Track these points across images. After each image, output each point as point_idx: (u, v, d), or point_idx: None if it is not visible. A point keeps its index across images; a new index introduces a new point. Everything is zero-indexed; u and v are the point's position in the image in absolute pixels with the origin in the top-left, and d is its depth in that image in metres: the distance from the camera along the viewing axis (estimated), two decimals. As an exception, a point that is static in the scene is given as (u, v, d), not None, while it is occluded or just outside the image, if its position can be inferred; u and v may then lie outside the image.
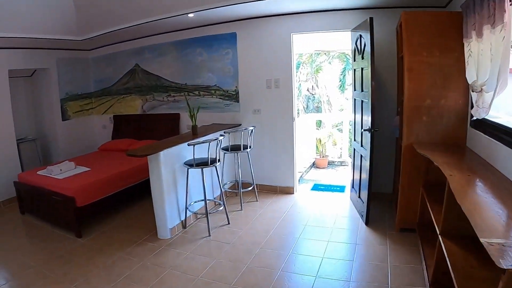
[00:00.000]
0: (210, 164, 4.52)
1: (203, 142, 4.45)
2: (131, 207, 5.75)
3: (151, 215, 4.77)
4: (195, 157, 4.45)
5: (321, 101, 11.62)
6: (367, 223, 4.66)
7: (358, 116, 4.98)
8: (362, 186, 4.83)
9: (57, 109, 7.29)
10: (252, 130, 5.39)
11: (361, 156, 4.85)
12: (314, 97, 11.75)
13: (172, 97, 6.74)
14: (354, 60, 5.14)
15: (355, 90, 5.18)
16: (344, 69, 11.10)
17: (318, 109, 11.60)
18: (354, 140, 5.26)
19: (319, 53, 10.86)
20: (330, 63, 11.27)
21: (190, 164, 4.54)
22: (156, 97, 6.98)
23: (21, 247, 4.68)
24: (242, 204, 5.53)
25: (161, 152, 4.37)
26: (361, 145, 4.83)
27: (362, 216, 4.81)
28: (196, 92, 6.42)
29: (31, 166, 6.86)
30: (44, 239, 4.85)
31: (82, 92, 7.76)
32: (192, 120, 5.16)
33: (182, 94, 6.56)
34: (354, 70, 5.16)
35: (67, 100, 7.44)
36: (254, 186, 5.75)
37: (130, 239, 4.68)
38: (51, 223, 5.27)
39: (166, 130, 6.70)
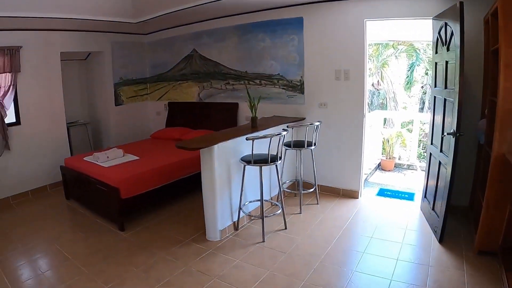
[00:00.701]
0: (270, 162, 3.96)
1: (263, 137, 3.91)
2: (180, 201, 5.32)
3: (201, 212, 4.31)
4: (253, 153, 3.92)
5: (387, 98, 10.85)
6: (441, 241, 3.93)
7: (439, 117, 4.23)
8: (438, 197, 4.11)
9: (110, 93, 7.05)
10: (318, 125, 4.77)
11: (440, 163, 4.11)
12: (379, 92, 11.00)
13: (231, 85, 6.26)
14: (436, 53, 4.39)
15: (435, 86, 4.45)
16: (412, 64, 10.27)
17: (382, 106, 10.85)
18: (431, 143, 4.52)
19: (386, 46, 10.08)
20: (397, 57, 10.50)
21: (247, 161, 4.01)
22: (214, 85, 6.53)
23: (61, 236, 4.43)
24: (302, 207, 4.93)
25: (216, 146, 3.88)
26: (441, 151, 4.10)
27: (435, 232, 4.08)
28: (257, 81, 5.89)
29: (81, 151, 6.67)
30: (85, 229, 4.59)
31: (137, 77, 7.49)
32: (251, 111, 4.63)
33: (242, 82, 6.06)
34: (436, 63, 4.41)
35: (121, 85, 7.18)
36: (316, 188, 5.14)
37: (175, 237, 4.27)
38: (94, 212, 5.01)
39: (223, 120, 6.24)
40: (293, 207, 5.00)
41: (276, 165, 4.17)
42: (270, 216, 4.56)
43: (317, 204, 5.14)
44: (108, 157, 5.08)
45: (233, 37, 6.07)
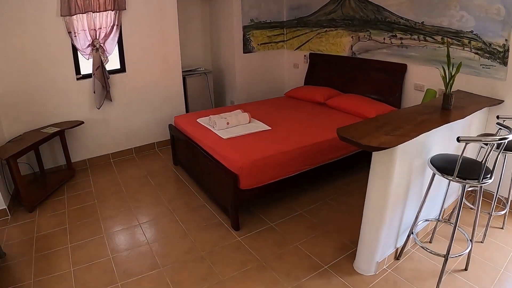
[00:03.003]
0: (482, 179, 2.37)
1: (480, 141, 2.34)
2: (322, 194, 3.94)
3: (352, 218, 3.21)
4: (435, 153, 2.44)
5: None
6: None
7: None
8: None
9: (238, 38, 5.72)
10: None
11: None
12: None
13: (398, 39, 4.57)
14: None
15: None
16: None
17: None
18: None
19: None
20: None
21: (444, 169, 2.46)
22: (374, 37, 4.87)
23: (157, 223, 3.49)
24: (485, 233, 3.26)
25: (401, 145, 2.37)
26: None
27: None
28: (437, 38, 4.15)
29: (199, 106, 5.67)
30: (189, 217, 3.57)
31: (272, 20, 6.05)
32: (446, 86, 3.00)
33: (415, 37, 4.35)
34: None
35: (251, 28, 5.83)
36: (507, 208, 3.40)
37: (308, 256, 2.99)
38: (205, 191, 3.94)
39: (382, 86, 4.70)
40: (469, 228, 3.30)
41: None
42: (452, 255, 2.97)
43: (502, 228, 3.40)
44: (228, 123, 3.87)
45: (406, -28, 4.35)
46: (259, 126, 3.93)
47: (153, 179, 4.31)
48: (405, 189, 2.68)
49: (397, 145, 2.27)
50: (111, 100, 4.59)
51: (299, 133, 3.79)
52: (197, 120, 4.16)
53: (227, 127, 3.84)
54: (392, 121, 2.71)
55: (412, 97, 4.43)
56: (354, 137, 2.34)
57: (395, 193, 2.56)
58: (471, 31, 3.83)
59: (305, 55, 5.98)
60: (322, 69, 5.62)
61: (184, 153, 4.30)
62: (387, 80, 4.64)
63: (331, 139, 3.67)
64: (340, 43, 5.33)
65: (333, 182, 4.08)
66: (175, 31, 4.95)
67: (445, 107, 3.01)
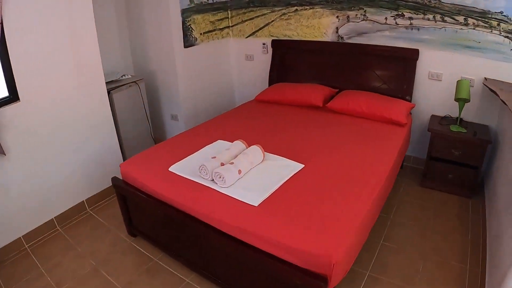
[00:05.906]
0: None
1: None
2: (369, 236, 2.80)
3: (426, 260, 2.59)
4: None
5: None
6: None
7: None
8: None
9: (176, 26, 3.97)
10: None
11: None
12: None
13: (407, 20, 3.59)
14: None
15: None
16: None
17: None
18: None
19: None
20: None
21: None
22: (371, 16, 3.78)
23: None
24: None
25: None
26: None
27: None
28: (459, 19, 3.35)
29: (133, 132, 4.01)
30: None
31: (215, 0, 4.44)
32: None
33: (430, 16, 3.46)
34: None
35: (192, 13, 4.11)
36: None
37: None
38: (210, 280, 2.48)
39: (386, 77, 3.75)
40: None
41: None
42: None
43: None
44: (240, 171, 2.43)
45: None
46: (285, 165, 2.56)
47: (111, 272, 2.63)
48: None
49: None
50: (4, 154, 2.71)
51: (349, 166, 2.57)
52: (170, 169, 2.62)
53: (239, 177, 2.43)
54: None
55: (426, 88, 3.70)
56: None
57: None
58: (501, 12, 3.26)
59: (264, 43, 4.61)
60: (293, 60, 4.35)
61: (147, 216, 2.76)
62: (393, 69, 3.73)
63: (394, 165, 2.75)
64: (319, 25, 4.13)
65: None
66: (90, 21, 3.14)
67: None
